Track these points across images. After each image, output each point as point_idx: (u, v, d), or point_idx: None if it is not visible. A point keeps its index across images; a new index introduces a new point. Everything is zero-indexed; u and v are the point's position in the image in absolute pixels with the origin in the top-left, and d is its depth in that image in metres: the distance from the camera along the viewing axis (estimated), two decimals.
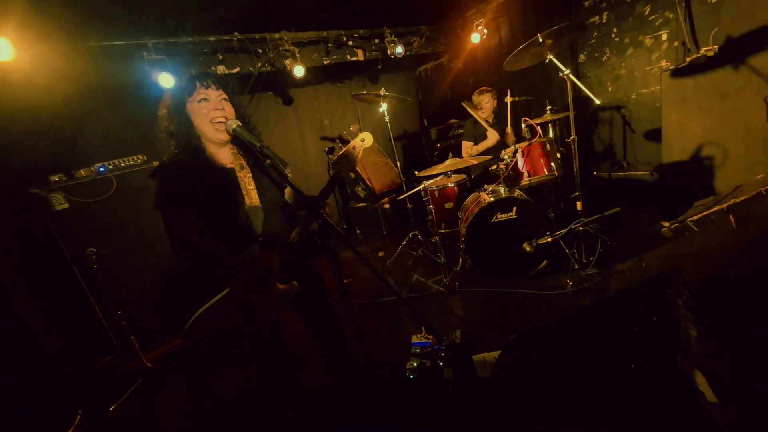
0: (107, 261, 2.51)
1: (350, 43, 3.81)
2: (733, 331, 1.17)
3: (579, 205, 2.30)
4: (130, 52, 2.87)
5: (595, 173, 3.17)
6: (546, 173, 2.50)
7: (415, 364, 1.68)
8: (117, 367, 2.51)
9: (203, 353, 1.25)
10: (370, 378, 1.41)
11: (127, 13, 2.56)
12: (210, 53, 3.25)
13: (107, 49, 2.79)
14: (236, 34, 3.22)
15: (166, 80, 2.84)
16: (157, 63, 2.88)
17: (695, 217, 2.12)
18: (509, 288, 2.34)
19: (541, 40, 2.21)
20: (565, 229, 2.22)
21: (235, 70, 3.40)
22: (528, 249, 2.25)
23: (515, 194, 2.46)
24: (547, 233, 2.25)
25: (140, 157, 2.87)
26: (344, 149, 1.30)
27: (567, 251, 2.31)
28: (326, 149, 4.52)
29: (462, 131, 4.14)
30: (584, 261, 2.32)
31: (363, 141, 1.32)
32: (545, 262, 2.39)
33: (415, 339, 1.83)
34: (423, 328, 1.85)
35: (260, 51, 3.42)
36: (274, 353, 1.47)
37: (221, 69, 3.35)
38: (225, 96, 1.35)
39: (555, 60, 2.25)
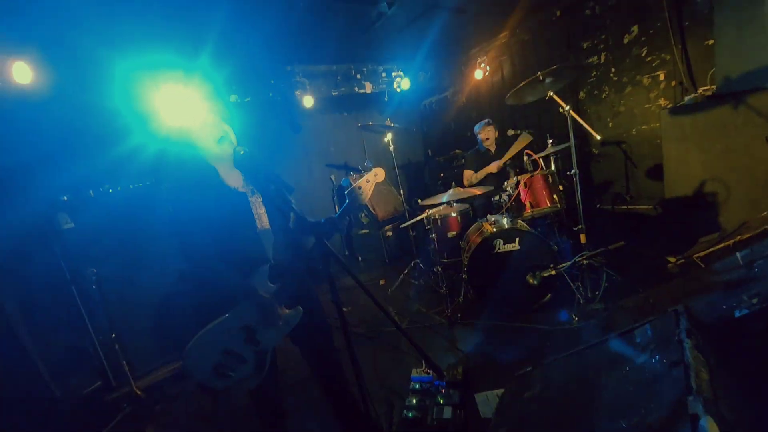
0: (106, 282, 2.51)
1: (358, 76, 4.01)
2: (748, 375, 1.13)
3: (583, 238, 2.29)
4: (147, 80, 3.03)
5: (598, 206, 3.18)
6: (548, 205, 2.52)
7: (414, 402, 1.62)
8: (106, 393, 2.43)
9: (202, 374, 1.23)
10: (366, 415, 1.36)
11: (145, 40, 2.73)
12: (225, 83, 3.43)
13: (127, 77, 2.96)
14: (250, 65, 3.41)
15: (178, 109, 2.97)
16: (172, 93, 3.02)
17: (702, 254, 2.09)
18: (513, 321, 2.30)
19: (541, 78, 2.31)
20: (569, 262, 2.20)
21: (246, 99, 3.56)
22: (532, 281, 2.23)
23: (518, 225, 2.46)
24: (551, 266, 2.24)
25: (149, 180, 2.94)
26: (358, 182, 1.37)
27: (571, 285, 2.28)
28: (336, 180, 4.59)
29: (464, 161, 4.22)
30: (589, 295, 2.28)
31: (376, 176, 1.40)
32: (549, 295, 2.36)
33: (415, 373, 1.77)
34: (423, 362, 1.80)
35: (272, 81, 3.60)
36: (271, 382, 1.44)
37: (233, 98, 3.51)
38: (220, 118, 1.42)
39: (555, 96, 2.33)
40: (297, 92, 3.58)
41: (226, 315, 1.27)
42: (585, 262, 2.25)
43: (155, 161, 3.30)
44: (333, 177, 4.75)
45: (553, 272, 2.21)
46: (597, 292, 2.25)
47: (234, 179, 1.42)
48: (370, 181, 1.39)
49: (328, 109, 4.79)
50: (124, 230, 2.62)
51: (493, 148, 3.34)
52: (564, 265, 2.23)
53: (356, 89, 4.06)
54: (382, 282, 3.54)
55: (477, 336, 2.28)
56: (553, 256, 2.32)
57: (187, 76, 3.14)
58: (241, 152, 1.33)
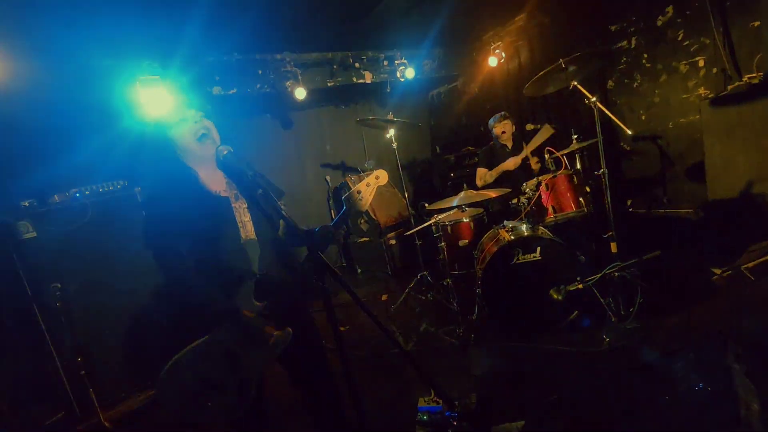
0: (72, 299, 2.51)
1: (357, 65, 4.03)
2: None
3: (614, 247, 2.29)
4: (122, 71, 3.08)
5: (630, 210, 3.17)
6: (574, 209, 2.52)
7: None
8: (70, 425, 2.42)
9: (178, 404, 1.23)
10: None
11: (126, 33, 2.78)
12: (207, 73, 3.46)
13: (95, 67, 3.01)
14: (235, 54, 3.45)
15: (157, 102, 3.01)
16: (149, 83, 3.07)
17: (751, 264, 2.08)
18: (534, 343, 2.29)
19: (564, 65, 2.32)
20: (599, 274, 2.19)
21: (231, 92, 3.60)
22: (556, 297, 2.21)
23: (539, 232, 2.46)
24: (578, 279, 2.22)
25: (120, 182, 2.96)
26: (356, 186, 1.37)
27: (602, 300, 2.27)
28: (332, 182, 4.61)
29: (477, 159, 4.23)
30: (622, 313, 2.26)
31: (378, 179, 1.39)
32: (576, 312, 2.34)
33: (422, 402, 1.76)
34: (432, 390, 1.79)
35: (260, 72, 3.64)
36: (254, 412, 1.44)
37: (217, 90, 3.55)
38: (202, 113, 1.44)
39: (580, 86, 2.34)
40: (288, 83, 3.61)
41: (206, 337, 1.27)
42: (616, 274, 2.24)
43: (128, 161, 3.33)
44: (329, 178, 4.77)
45: (580, 286, 2.20)
46: (631, 309, 2.24)
47: (216, 182, 1.43)
48: (371, 185, 1.39)
49: (323, 102, 4.83)
50: (93, 240, 2.63)
51: (510, 144, 3.35)
52: (592, 278, 2.22)
53: (354, 79, 4.08)
54: (384, 297, 3.53)
55: (493, 359, 2.27)
56: (580, 267, 2.32)
57: (164, 65, 3.20)
58: (225, 152, 1.35)
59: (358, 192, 1.38)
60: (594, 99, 2.25)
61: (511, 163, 3.17)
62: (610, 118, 2.25)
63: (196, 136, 1.38)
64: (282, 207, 1.29)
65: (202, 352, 1.27)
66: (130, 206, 2.83)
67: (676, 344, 1.92)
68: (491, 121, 3.37)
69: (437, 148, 5.56)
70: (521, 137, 3.33)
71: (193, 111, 1.42)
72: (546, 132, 2.94)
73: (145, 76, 3.06)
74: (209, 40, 3.19)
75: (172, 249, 1.28)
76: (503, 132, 3.32)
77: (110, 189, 2.87)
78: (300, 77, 3.65)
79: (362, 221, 4.24)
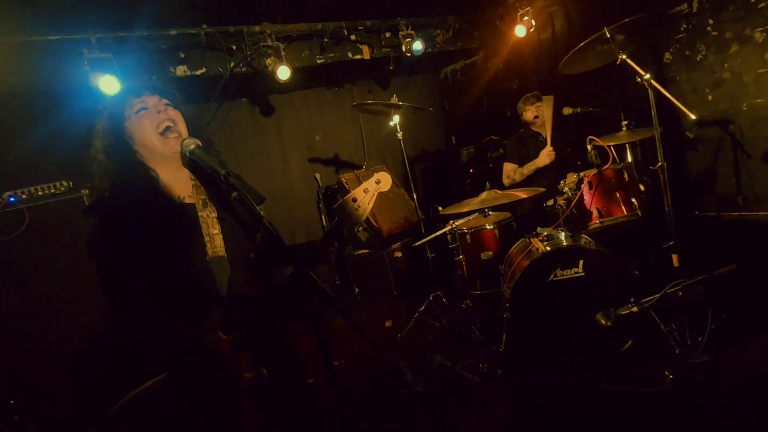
0: (3, 327, 2.51)
1: (353, 37, 4.04)
2: None
3: (676, 260, 2.28)
4: (67, 49, 3.10)
5: (696, 213, 3.13)
6: (624, 213, 2.51)
7: None
8: None
9: None
10: None
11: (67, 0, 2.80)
12: (169, 50, 3.48)
13: (36, 45, 3.02)
14: (204, 26, 3.46)
15: (109, 85, 3.03)
16: (100, 63, 3.09)
17: None
18: (577, 381, 2.28)
19: (609, 35, 2.30)
20: (658, 295, 2.15)
21: (199, 71, 3.61)
22: (604, 323, 2.17)
23: (582, 242, 2.46)
24: (632, 300, 2.18)
25: (65, 183, 2.97)
26: (352, 192, 1.38)
27: (662, 327, 2.26)
28: (324, 180, 4.61)
29: (503, 151, 4.20)
30: (689, 343, 2.24)
31: (379, 183, 1.39)
32: (630, 342, 2.33)
33: None
34: None
35: (234, 47, 3.65)
36: None
37: (182, 70, 3.56)
38: (167, 101, 1.43)
39: (630, 60, 2.32)
40: (268, 61, 3.61)
41: (163, 375, 1.25)
42: (680, 293, 2.19)
43: (74, 158, 3.33)
44: (318, 176, 4.78)
45: (635, 309, 2.15)
46: (700, 338, 2.21)
47: (180, 185, 1.43)
48: (370, 190, 1.39)
49: (311, 83, 4.85)
50: (31, 252, 2.64)
51: (545, 132, 3.32)
52: (650, 299, 2.16)
53: (350, 55, 4.09)
54: (388, 324, 3.52)
55: (526, 401, 2.25)
56: (634, 285, 2.30)
57: (118, 41, 3.21)
58: (192, 146, 1.34)
59: (354, 200, 1.37)
60: (648, 76, 2.24)
61: (546, 157, 3.14)
62: (668, 99, 2.23)
63: (159, 128, 1.37)
64: (262, 215, 1.28)
65: (158, 393, 1.25)
66: (77, 212, 2.84)
67: (760, 382, 1.88)
68: (521, 104, 3.35)
69: (452, 138, 5.56)
70: (559, 125, 3.30)
71: (156, 97, 1.42)
72: (549, 104, 2.90)
73: (95, 54, 3.08)
74: (172, 10, 3.20)
75: (122, 265, 1.27)
76: (536, 117, 3.30)
77: (52, 191, 2.89)
78: (283, 53, 3.66)
79: (360, 229, 4.20)
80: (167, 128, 1.38)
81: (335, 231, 1.41)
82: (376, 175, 1.39)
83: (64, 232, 2.71)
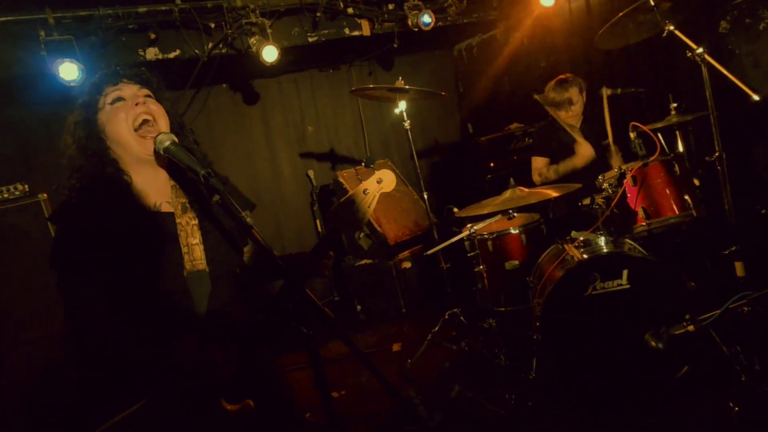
0: None
1: (350, 10, 4.03)
2: None
3: (739, 268, 2.25)
4: (21, 31, 3.12)
5: (763, 212, 3.11)
6: (676, 212, 2.49)
7: None
8: None
9: None
10: None
11: None
12: (138, 30, 3.50)
13: None
14: (178, 2, 3.48)
15: (69, 71, 3.04)
16: (59, 47, 3.11)
17: None
18: (624, 414, 2.26)
19: (653, 2, 2.28)
20: (719, 311, 2.11)
21: (173, 54, 3.63)
22: (654, 344, 2.13)
23: (626, 248, 2.44)
24: (687, 317, 2.14)
25: (20, 186, 2.99)
26: (349, 194, 1.38)
27: (724, 350, 2.24)
28: (318, 179, 4.61)
29: (531, 142, 4.18)
30: (757, 368, 2.20)
31: (380, 182, 1.39)
32: (685, 368, 2.31)
33: None
34: None
35: (212, 26, 3.67)
36: None
37: (152, 53, 3.58)
38: (147, 92, 1.44)
39: (679, 33, 2.30)
40: (252, 40, 3.62)
41: (134, 408, 1.25)
42: (746, 309, 2.14)
43: (29, 158, 3.34)
44: (312, 174, 4.79)
45: (691, 328, 2.11)
46: None
47: (157, 190, 1.44)
48: (370, 191, 1.39)
49: (302, 64, 4.86)
50: None
51: (578, 122, 3.30)
52: (709, 315, 2.12)
53: (347, 31, 4.10)
54: (396, 347, 3.52)
55: None
56: (690, 299, 2.28)
57: (80, 21, 3.23)
58: (167, 142, 1.33)
59: (351, 203, 1.37)
60: (701, 50, 2.21)
61: (586, 154, 3.12)
62: (725, 77, 2.20)
63: (135, 123, 1.38)
64: (250, 222, 1.28)
65: (129, 425, 1.25)
66: (35, 219, 2.86)
67: None
68: (549, 91, 3.33)
69: (469, 126, 5.56)
70: (594, 111, 3.29)
71: (135, 87, 1.42)
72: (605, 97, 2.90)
73: (53, 36, 3.10)
74: None
75: (86, 282, 1.29)
76: (569, 103, 3.26)
77: (5, 196, 2.91)
78: (269, 31, 3.67)
79: (361, 236, 4.23)
80: (144, 122, 1.38)
81: (330, 240, 1.41)
82: (378, 174, 1.39)
83: (19, 243, 2.73)
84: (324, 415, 1.27)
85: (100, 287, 1.29)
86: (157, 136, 1.36)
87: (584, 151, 3.15)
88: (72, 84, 2.97)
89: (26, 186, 3.00)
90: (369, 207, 1.39)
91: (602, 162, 3.17)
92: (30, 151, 3.59)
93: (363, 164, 4.45)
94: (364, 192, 1.39)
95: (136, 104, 1.39)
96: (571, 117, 3.27)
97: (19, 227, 2.80)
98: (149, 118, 1.39)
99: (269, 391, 1.49)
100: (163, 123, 1.43)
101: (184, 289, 1.36)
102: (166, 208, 1.42)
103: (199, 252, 1.39)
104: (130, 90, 1.41)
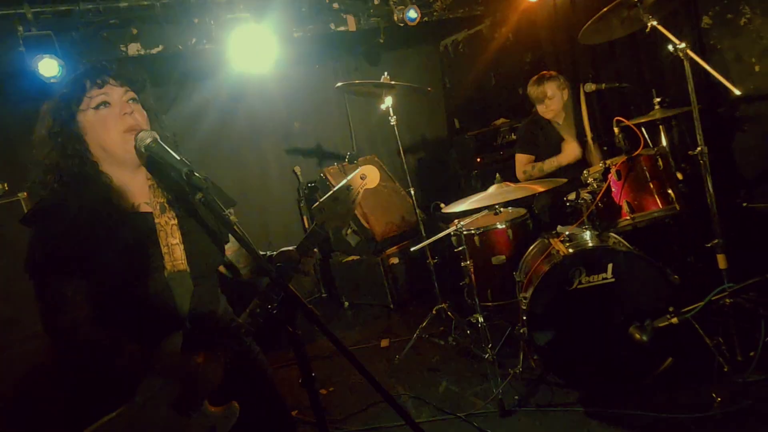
0: None
1: (335, 5, 4.01)
2: None
3: (722, 261, 2.26)
4: None
5: (745, 205, 3.14)
6: (660, 206, 2.50)
7: None
8: None
9: None
10: None
11: None
12: (119, 26, 3.44)
13: None
14: None
15: (49, 67, 2.98)
16: (38, 43, 3.04)
17: None
18: (609, 407, 2.27)
19: None
20: (702, 303, 2.16)
21: (155, 50, 3.57)
22: (638, 337, 2.18)
23: (610, 242, 2.46)
24: (670, 310, 2.20)
25: None
26: (333, 190, 1.37)
27: (707, 341, 2.25)
28: (305, 176, 4.59)
29: (515, 136, 4.19)
30: (739, 359, 2.24)
31: (364, 178, 1.38)
32: (669, 360, 2.32)
33: None
34: None
35: (196, 21, 3.62)
36: None
37: (134, 49, 3.52)
38: (133, 95, 1.41)
39: (661, 28, 2.30)
40: (236, 35, 3.58)
41: (111, 415, 1.24)
42: (728, 300, 2.21)
43: (7, 156, 3.28)
44: (298, 170, 4.76)
45: (675, 320, 2.16)
46: (751, 353, 2.21)
47: (136, 190, 1.43)
48: (353, 187, 1.39)
49: (288, 60, 4.80)
50: None
51: (560, 117, 3.32)
52: (692, 307, 2.18)
53: (333, 26, 4.07)
54: (384, 343, 3.52)
55: None
56: (673, 292, 2.29)
57: (58, 15, 3.16)
58: (148, 140, 1.31)
59: (335, 199, 1.37)
60: (683, 45, 2.23)
61: (572, 153, 3.14)
62: (707, 72, 2.22)
63: (123, 126, 1.36)
64: (234, 220, 1.28)
65: (113, 428, 1.25)
66: (13, 218, 2.81)
67: None
68: (530, 86, 3.33)
69: (456, 121, 5.55)
70: (577, 106, 3.30)
71: (122, 90, 1.39)
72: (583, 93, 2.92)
73: (32, 32, 3.04)
74: None
75: (65, 284, 1.27)
76: (549, 98, 3.26)
77: None
78: (253, 26, 3.62)
79: (348, 232, 4.22)
80: (132, 130, 1.36)
81: (314, 237, 1.41)
82: (362, 169, 1.38)
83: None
84: (311, 412, 1.28)
85: (79, 289, 1.28)
86: (139, 133, 1.34)
87: (571, 150, 3.16)
88: (52, 81, 2.91)
89: (5, 184, 2.96)
90: (353, 203, 1.39)
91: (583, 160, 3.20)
92: (8, 148, 3.52)
93: (347, 160, 4.44)
94: (347, 188, 1.38)
95: (124, 114, 1.36)
96: (548, 112, 3.27)
97: None
98: (137, 128, 1.37)
99: (255, 389, 1.49)
100: (141, 116, 1.41)
101: (166, 290, 1.35)
102: (144, 208, 1.41)
103: (179, 252, 1.38)
104: (116, 93, 1.37)
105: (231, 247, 1.56)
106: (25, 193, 2.97)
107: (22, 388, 2.66)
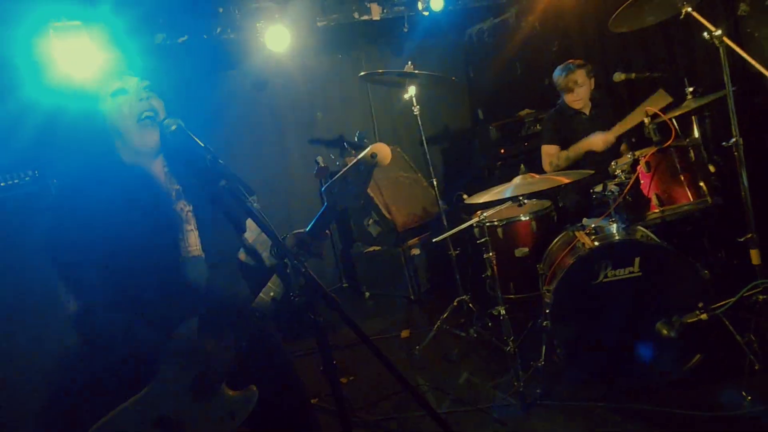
0: None
1: None
2: None
3: (755, 256, 2.22)
4: (30, 15, 3.12)
5: None
6: (690, 199, 2.47)
7: None
8: None
9: None
10: None
11: None
12: (147, 15, 3.49)
13: None
14: None
15: (79, 57, 3.04)
16: (67, 32, 3.10)
17: None
18: (634, 403, 2.26)
19: None
20: (733, 299, 2.13)
21: (180, 39, 3.63)
22: (666, 333, 2.17)
23: (638, 235, 2.44)
24: (700, 305, 2.16)
25: (29, 173, 3.00)
26: (342, 171, 1.34)
27: (738, 338, 2.22)
28: (323, 159, 4.61)
29: (540, 128, 4.13)
30: None
31: (375, 156, 1.31)
32: (698, 356, 2.29)
33: None
34: None
35: (221, 10, 3.66)
36: None
37: (161, 38, 3.58)
38: (146, 82, 1.45)
39: (696, 14, 2.25)
40: (259, 24, 3.63)
41: (131, 400, 1.28)
42: (761, 297, 2.17)
43: (38, 144, 3.36)
44: (320, 160, 4.77)
45: (704, 316, 2.13)
46: None
47: (155, 175, 1.47)
48: (364, 166, 1.32)
49: (310, 50, 4.83)
50: None
51: (587, 108, 3.26)
52: (723, 303, 2.15)
53: (356, 15, 4.08)
54: (405, 334, 3.54)
55: (570, 427, 2.24)
56: (703, 288, 2.27)
57: (89, 4, 3.22)
58: (173, 126, 1.35)
59: (344, 179, 1.32)
60: (719, 32, 2.16)
61: (600, 141, 3.07)
62: (744, 60, 2.17)
63: (138, 116, 1.40)
64: (257, 207, 1.30)
65: (128, 417, 1.28)
66: (45, 205, 2.88)
67: None
68: (558, 73, 3.28)
69: (479, 112, 5.50)
70: (605, 96, 3.24)
71: (135, 79, 1.44)
72: (658, 101, 2.81)
73: (62, 21, 3.10)
74: None
75: (86, 270, 1.31)
76: (578, 87, 3.21)
77: (15, 182, 2.92)
78: (277, 15, 3.66)
79: (370, 222, 4.23)
80: (147, 118, 1.40)
81: (325, 219, 1.39)
82: (371, 148, 1.31)
83: (24, 233, 2.74)
84: (332, 401, 1.28)
85: (101, 273, 1.31)
86: (164, 119, 1.38)
87: (598, 137, 3.09)
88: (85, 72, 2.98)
89: (36, 171, 3.02)
90: (364, 182, 1.34)
91: (614, 148, 3.13)
92: (39, 137, 3.62)
93: (356, 139, 4.44)
94: (357, 167, 1.33)
95: (140, 100, 1.40)
96: (577, 101, 3.21)
97: (20, 216, 2.81)
98: (152, 114, 1.41)
99: (276, 376, 1.51)
100: (158, 102, 1.45)
101: (181, 275, 1.38)
102: (161, 195, 1.45)
103: (194, 238, 1.43)
104: (131, 82, 1.43)
105: (252, 235, 1.58)
106: (56, 180, 3.04)
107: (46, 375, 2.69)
